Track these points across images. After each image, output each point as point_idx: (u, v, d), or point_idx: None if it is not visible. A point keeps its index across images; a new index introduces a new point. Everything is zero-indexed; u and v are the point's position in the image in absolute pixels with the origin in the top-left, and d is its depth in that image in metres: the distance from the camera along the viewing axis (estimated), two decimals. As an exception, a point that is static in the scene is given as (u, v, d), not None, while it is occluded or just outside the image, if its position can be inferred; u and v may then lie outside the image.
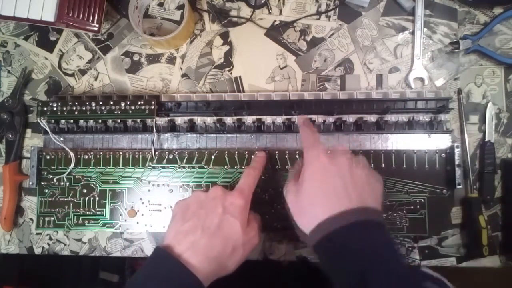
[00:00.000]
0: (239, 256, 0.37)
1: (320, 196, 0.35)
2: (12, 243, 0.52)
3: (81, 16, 0.47)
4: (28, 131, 0.52)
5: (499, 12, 0.48)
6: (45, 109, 0.48)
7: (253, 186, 0.41)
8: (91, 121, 0.48)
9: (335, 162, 0.36)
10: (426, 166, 0.45)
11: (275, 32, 0.51)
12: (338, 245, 0.33)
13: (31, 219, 0.51)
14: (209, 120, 0.47)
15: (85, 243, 0.51)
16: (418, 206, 0.45)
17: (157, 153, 0.48)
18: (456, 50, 0.48)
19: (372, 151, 0.46)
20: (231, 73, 0.51)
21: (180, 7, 0.52)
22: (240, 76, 0.51)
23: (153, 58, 0.52)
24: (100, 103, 0.47)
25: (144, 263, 0.36)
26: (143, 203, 0.48)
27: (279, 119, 0.46)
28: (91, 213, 0.48)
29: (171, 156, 0.48)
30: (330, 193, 0.35)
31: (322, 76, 0.50)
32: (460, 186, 0.45)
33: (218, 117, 0.47)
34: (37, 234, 0.51)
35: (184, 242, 0.36)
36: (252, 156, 0.46)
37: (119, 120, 0.48)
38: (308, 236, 0.35)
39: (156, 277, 0.35)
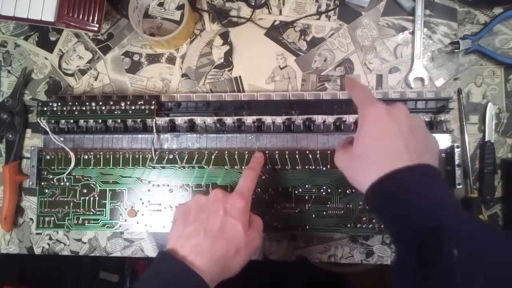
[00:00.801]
0: (242, 257, 0.37)
1: (380, 152, 0.33)
2: (12, 243, 0.52)
3: (81, 16, 0.47)
4: (28, 131, 0.52)
5: (499, 12, 0.48)
6: (45, 109, 0.48)
7: (253, 187, 0.40)
8: (91, 121, 0.48)
9: (394, 118, 0.34)
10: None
11: (275, 32, 0.51)
12: (402, 198, 0.31)
13: (31, 219, 0.51)
14: (209, 120, 0.47)
15: (85, 243, 0.51)
16: (418, 206, 0.45)
17: (157, 153, 0.48)
18: (456, 50, 0.48)
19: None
20: (231, 73, 0.51)
21: (180, 7, 0.52)
22: (240, 76, 0.51)
23: (153, 58, 0.52)
24: (100, 103, 0.47)
25: (149, 267, 0.36)
26: (143, 203, 0.48)
27: (279, 119, 0.46)
28: (91, 213, 0.48)
29: (171, 156, 0.48)
30: (390, 149, 0.33)
31: (322, 76, 0.50)
32: (460, 186, 0.45)
33: (218, 117, 0.47)
34: (37, 234, 0.51)
35: (188, 245, 0.36)
36: (252, 156, 0.46)
37: (119, 120, 0.48)
38: (367, 192, 0.33)
39: (162, 280, 0.34)
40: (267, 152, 0.47)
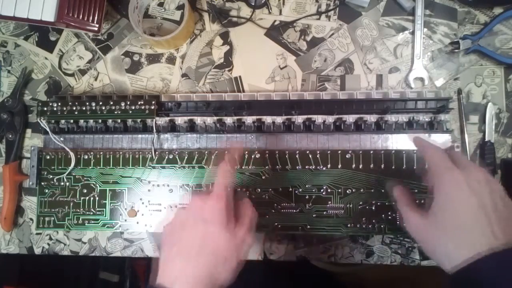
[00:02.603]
0: (234, 262, 0.35)
1: (460, 227, 0.32)
2: (12, 243, 0.52)
3: (81, 16, 0.47)
4: (28, 131, 0.52)
5: (499, 12, 0.48)
6: (45, 109, 0.48)
7: (227, 182, 0.38)
8: (91, 121, 0.48)
9: (473, 187, 0.32)
10: (426, 166, 0.45)
11: (275, 32, 0.51)
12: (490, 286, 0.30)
13: (31, 219, 0.51)
14: (209, 120, 0.47)
15: (85, 243, 0.51)
16: (418, 206, 0.45)
17: (157, 153, 0.48)
18: (456, 50, 0.48)
19: (372, 151, 0.46)
20: (231, 73, 0.51)
21: (180, 7, 0.52)
22: (240, 76, 0.51)
23: (153, 58, 0.52)
24: (100, 103, 0.47)
25: None
26: (143, 203, 0.48)
27: (279, 119, 0.46)
28: (91, 213, 0.48)
29: (171, 156, 0.48)
30: (471, 225, 0.31)
31: (322, 76, 0.50)
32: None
33: (218, 117, 0.47)
34: (37, 234, 0.51)
35: (172, 273, 0.34)
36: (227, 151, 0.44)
37: (119, 120, 0.48)
38: (450, 275, 0.32)
39: None
40: (267, 152, 0.47)
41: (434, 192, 0.34)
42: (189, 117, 0.47)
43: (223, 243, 0.35)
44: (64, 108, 0.48)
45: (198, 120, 0.47)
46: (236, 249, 0.35)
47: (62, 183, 0.48)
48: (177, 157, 0.48)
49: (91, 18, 0.47)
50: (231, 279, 0.35)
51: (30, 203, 0.51)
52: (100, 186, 0.48)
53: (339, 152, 0.46)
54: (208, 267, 0.34)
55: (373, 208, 0.45)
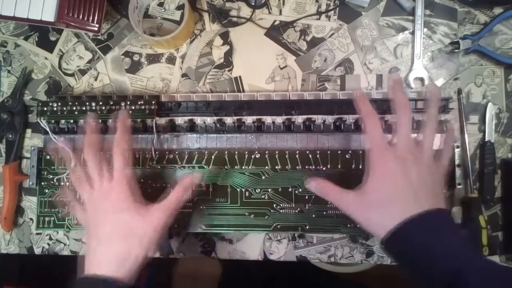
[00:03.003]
0: (148, 238, 0.38)
1: (388, 202, 0.35)
2: (12, 243, 0.52)
3: (81, 16, 0.47)
4: (28, 131, 0.52)
5: (499, 12, 0.48)
6: (45, 109, 0.48)
7: (126, 161, 0.40)
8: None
9: (400, 161, 0.36)
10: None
11: (275, 32, 0.51)
12: (420, 247, 0.33)
13: (31, 219, 0.51)
14: (209, 120, 0.47)
15: (85, 243, 0.51)
16: (418, 206, 0.45)
17: (157, 153, 0.48)
18: (456, 50, 0.48)
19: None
20: (231, 73, 0.51)
21: (180, 7, 0.52)
22: (240, 76, 0.51)
23: (153, 58, 0.52)
24: (100, 103, 0.47)
25: None
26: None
27: (279, 119, 0.46)
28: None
29: (171, 156, 0.48)
30: (397, 198, 0.35)
31: (322, 76, 0.50)
32: (460, 186, 0.45)
33: (218, 117, 0.47)
34: (37, 234, 0.51)
35: (95, 259, 0.38)
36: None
37: (119, 120, 0.48)
38: (385, 242, 0.35)
39: None
40: (267, 152, 0.47)
41: (367, 167, 0.38)
42: (189, 117, 0.47)
43: (133, 225, 0.38)
44: (64, 108, 0.48)
45: (198, 120, 0.47)
46: (149, 227, 0.38)
47: (62, 183, 0.48)
48: (177, 157, 0.48)
49: (91, 18, 0.47)
50: (152, 253, 0.39)
51: (30, 203, 0.51)
52: (100, 186, 0.48)
53: (339, 152, 0.46)
54: (125, 247, 0.37)
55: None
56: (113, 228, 0.38)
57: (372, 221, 0.36)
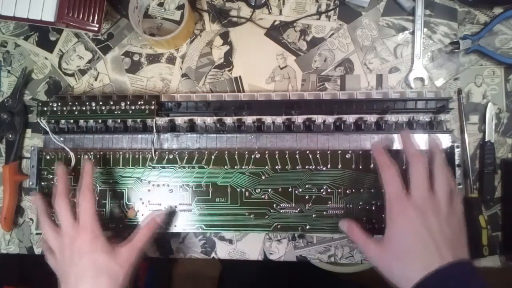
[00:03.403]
0: (119, 278, 0.39)
1: (410, 255, 0.35)
2: (12, 243, 0.52)
3: (81, 16, 0.47)
4: (28, 131, 0.52)
5: (499, 12, 0.48)
6: (45, 109, 0.48)
7: (92, 209, 0.41)
8: (91, 121, 0.48)
9: (420, 211, 0.36)
10: (426, 166, 0.45)
11: (275, 32, 0.51)
12: None
13: (31, 219, 0.51)
14: (209, 120, 0.47)
15: None
16: (418, 206, 0.45)
17: (157, 153, 0.48)
18: (456, 50, 0.48)
19: (372, 151, 0.46)
20: (231, 73, 0.51)
21: (180, 7, 0.52)
22: (240, 76, 0.51)
23: (153, 58, 0.52)
24: (100, 103, 0.47)
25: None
26: (143, 203, 0.48)
27: (279, 119, 0.46)
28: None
29: (171, 156, 0.48)
30: (420, 250, 0.35)
31: (322, 76, 0.50)
32: (460, 186, 0.45)
33: (218, 117, 0.47)
34: (37, 234, 0.51)
35: None
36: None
37: (119, 120, 0.48)
38: None
39: None
40: (267, 152, 0.47)
41: (387, 216, 0.38)
42: (189, 117, 0.47)
43: (103, 265, 0.39)
44: (64, 108, 0.48)
45: (198, 120, 0.47)
46: (120, 267, 0.40)
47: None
48: (177, 157, 0.48)
49: (91, 18, 0.47)
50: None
51: (30, 203, 0.51)
52: (100, 186, 0.48)
53: (339, 152, 0.46)
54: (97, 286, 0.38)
55: (373, 208, 0.45)
56: (84, 270, 0.39)
57: (395, 273, 0.36)
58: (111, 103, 0.47)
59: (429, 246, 0.35)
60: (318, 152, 0.46)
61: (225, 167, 0.47)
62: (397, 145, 0.46)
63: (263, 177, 0.46)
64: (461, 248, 0.36)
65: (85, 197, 0.42)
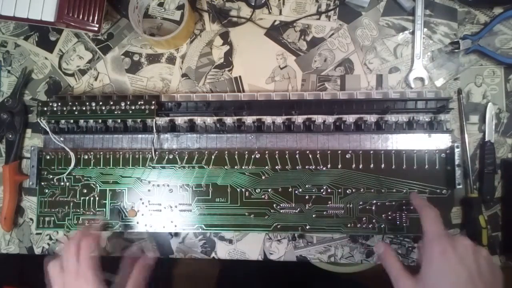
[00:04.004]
0: None
1: None
2: (12, 243, 0.52)
3: (81, 16, 0.47)
4: (28, 131, 0.52)
5: (499, 12, 0.48)
6: (45, 109, 0.48)
7: (91, 250, 0.42)
8: (91, 121, 0.48)
9: (460, 257, 0.35)
10: (426, 166, 0.45)
11: (275, 32, 0.51)
12: None
13: (31, 219, 0.51)
14: (209, 120, 0.47)
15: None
16: (418, 206, 0.45)
17: (157, 153, 0.48)
18: (456, 50, 0.48)
19: (372, 151, 0.46)
20: (231, 73, 0.51)
21: (180, 7, 0.52)
22: (240, 76, 0.51)
23: (153, 58, 0.52)
24: (100, 103, 0.47)
25: None
26: (143, 203, 0.48)
27: (279, 119, 0.46)
28: (91, 213, 0.48)
29: (171, 156, 0.48)
30: None
31: (322, 76, 0.50)
32: (460, 186, 0.45)
33: (218, 117, 0.47)
34: (37, 234, 0.51)
35: None
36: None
37: (119, 120, 0.48)
38: None
39: None
40: (267, 152, 0.47)
41: (424, 258, 0.36)
42: (189, 117, 0.47)
43: None
44: (64, 108, 0.48)
45: (198, 120, 0.47)
46: None
47: (62, 183, 0.48)
48: (177, 157, 0.48)
49: (91, 18, 0.47)
50: None
51: (30, 203, 0.51)
52: (100, 186, 0.48)
53: (339, 152, 0.46)
54: None
55: (373, 208, 0.45)
56: None
57: None
58: (111, 103, 0.47)
59: None
60: (318, 152, 0.46)
61: (225, 167, 0.47)
62: (396, 145, 0.46)
63: (263, 177, 0.46)
64: None
65: (86, 240, 0.42)
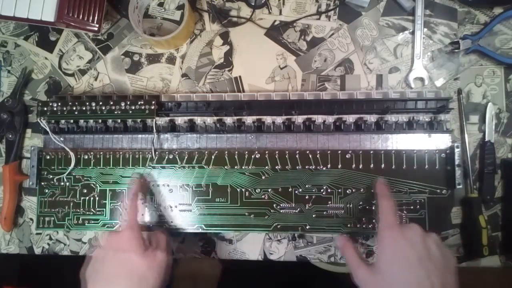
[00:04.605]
0: (152, 280, 0.39)
1: (402, 282, 0.35)
2: (12, 243, 0.52)
3: (81, 16, 0.47)
4: (28, 131, 0.52)
5: (499, 12, 0.48)
6: (45, 109, 0.48)
7: (135, 214, 0.43)
8: (91, 121, 0.48)
9: (410, 241, 0.36)
10: (426, 166, 0.45)
11: (275, 32, 0.51)
12: None
13: (31, 219, 0.51)
14: (209, 120, 0.47)
15: (85, 243, 0.51)
16: (418, 206, 0.45)
17: (157, 153, 0.48)
18: (456, 50, 0.48)
19: (372, 151, 0.46)
20: (231, 73, 0.51)
21: (180, 7, 0.52)
22: (240, 76, 0.51)
23: (153, 58, 0.52)
24: (100, 103, 0.47)
25: None
26: (143, 203, 0.48)
27: (279, 119, 0.46)
28: (91, 213, 0.48)
29: (171, 156, 0.48)
30: (411, 279, 0.35)
31: (322, 76, 0.50)
32: (460, 186, 0.45)
33: (218, 117, 0.47)
34: (37, 234, 0.51)
35: None
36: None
37: (119, 120, 0.48)
38: None
39: None
40: (267, 152, 0.47)
41: (378, 245, 0.38)
42: (189, 117, 0.47)
43: (139, 265, 0.39)
44: (64, 108, 0.48)
45: (198, 120, 0.47)
46: (154, 268, 0.40)
47: (62, 183, 0.48)
48: (177, 157, 0.48)
49: (91, 18, 0.47)
50: None
51: (30, 203, 0.52)
52: (100, 186, 0.48)
53: (339, 152, 0.46)
54: (128, 286, 0.38)
55: (373, 208, 0.45)
56: (119, 266, 0.39)
57: None
58: (111, 103, 0.47)
59: (421, 274, 0.35)
60: (318, 152, 0.46)
61: (225, 167, 0.47)
62: (396, 145, 0.46)
63: (263, 177, 0.46)
64: (450, 275, 0.36)
65: (131, 203, 0.44)
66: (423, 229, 0.37)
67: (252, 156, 0.47)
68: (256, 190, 0.46)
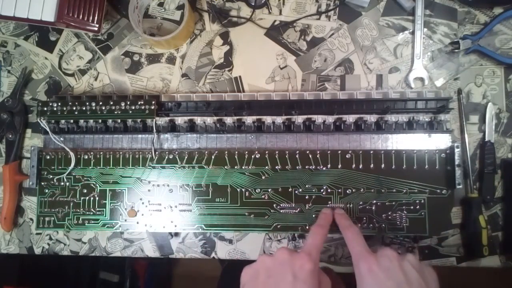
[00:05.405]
0: None
1: None
2: (12, 243, 0.52)
3: (81, 16, 0.47)
4: (28, 131, 0.52)
5: (499, 12, 0.48)
6: (45, 109, 0.48)
7: (321, 245, 0.39)
8: (91, 121, 0.48)
9: (386, 270, 0.35)
10: (426, 166, 0.45)
11: (275, 32, 0.51)
12: None
13: (31, 219, 0.51)
14: (209, 120, 0.47)
15: (85, 243, 0.51)
16: (418, 206, 0.45)
17: (157, 153, 0.48)
18: (456, 50, 0.48)
19: (372, 151, 0.46)
20: (231, 73, 0.51)
21: (180, 7, 0.52)
22: (240, 76, 0.51)
23: (153, 58, 0.52)
24: (100, 103, 0.47)
25: None
26: (143, 203, 0.48)
27: (279, 119, 0.46)
28: (91, 213, 0.48)
29: (171, 156, 0.48)
30: None
31: (322, 76, 0.50)
32: (460, 186, 0.45)
33: (218, 117, 0.47)
34: (37, 234, 0.51)
35: None
36: (320, 212, 0.44)
37: (119, 120, 0.48)
38: None
39: None
40: (267, 152, 0.47)
41: (356, 277, 0.37)
42: (189, 117, 0.47)
43: None
44: (64, 108, 0.48)
45: (198, 120, 0.47)
46: None
47: (62, 183, 0.48)
48: (177, 157, 0.48)
49: (91, 18, 0.47)
50: None
51: (30, 203, 0.52)
52: (100, 186, 0.48)
53: (339, 152, 0.46)
54: None
55: (373, 208, 0.45)
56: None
57: None
58: (111, 103, 0.47)
59: None
60: (318, 152, 0.46)
61: (225, 167, 0.47)
62: (396, 145, 0.46)
63: (263, 177, 0.46)
64: None
65: (317, 234, 0.39)
66: (397, 252, 0.37)
67: (252, 156, 0.47)
68: (256, 190, 0.46)
